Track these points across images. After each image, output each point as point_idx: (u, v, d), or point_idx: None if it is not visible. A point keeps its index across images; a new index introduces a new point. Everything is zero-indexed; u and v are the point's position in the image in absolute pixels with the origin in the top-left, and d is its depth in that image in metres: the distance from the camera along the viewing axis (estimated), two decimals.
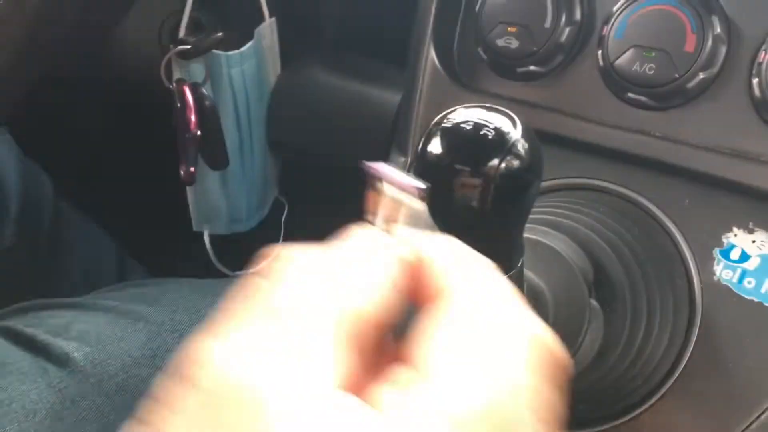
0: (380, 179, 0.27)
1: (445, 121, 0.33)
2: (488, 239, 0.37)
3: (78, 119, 0.92)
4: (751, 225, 0.48)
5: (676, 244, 0.50)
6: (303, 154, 0.87)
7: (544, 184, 0.55)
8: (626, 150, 0.51)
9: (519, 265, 0.40)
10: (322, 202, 0.80)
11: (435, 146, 0.33)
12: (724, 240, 0.49)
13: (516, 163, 0.32)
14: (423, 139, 0.34)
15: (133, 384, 0.52)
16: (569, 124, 0.53)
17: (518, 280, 0.40)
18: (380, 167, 0.27)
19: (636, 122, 0.51)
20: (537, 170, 0.34)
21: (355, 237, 0.27)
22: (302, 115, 0.84)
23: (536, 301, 0.43)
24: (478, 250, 0.35)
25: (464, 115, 0.33)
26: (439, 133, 0.33)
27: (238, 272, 0.89)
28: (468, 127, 0.33)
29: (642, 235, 0.50)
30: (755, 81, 0.47)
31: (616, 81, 0.51)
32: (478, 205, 0.34)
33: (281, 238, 0.97)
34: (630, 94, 0.51)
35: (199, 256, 0.88)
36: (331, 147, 0.82)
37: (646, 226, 0.51)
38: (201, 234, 0.87)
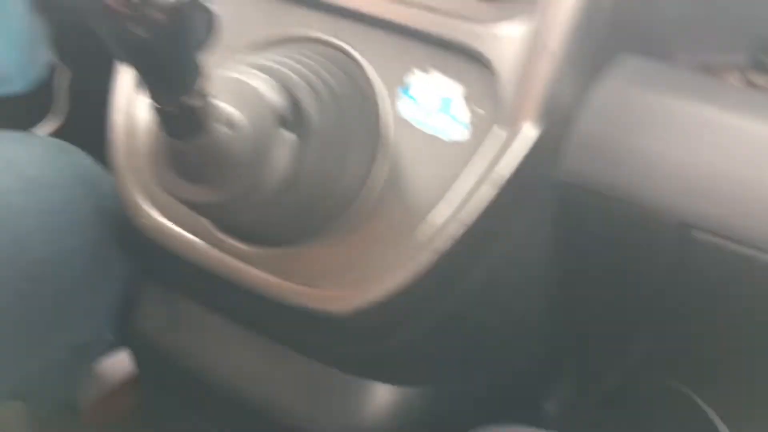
0: None
1: None
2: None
3: None
4: (428, 67, 0.57)
5: (371, 85, 0.59)
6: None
7: (266, 38, 0.62)
8: (333, 3, 0.59)
9: (195, 86, 0.46)
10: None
11: None
12: (406, 80, 0.58)
13: None
14: None
15: None
16: None
17: (202, 105, 0.47)
18: None
19: None
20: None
21: None
22: None
23: (233, 129, 0.50)
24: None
25: None
26: None
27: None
28: None
29: (344, 78, 0.58)
30: None
31: None
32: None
33: (67, 106, 0.98)
34: None
35: None
36: None
37: (349, 71, 0.59)
38: None
